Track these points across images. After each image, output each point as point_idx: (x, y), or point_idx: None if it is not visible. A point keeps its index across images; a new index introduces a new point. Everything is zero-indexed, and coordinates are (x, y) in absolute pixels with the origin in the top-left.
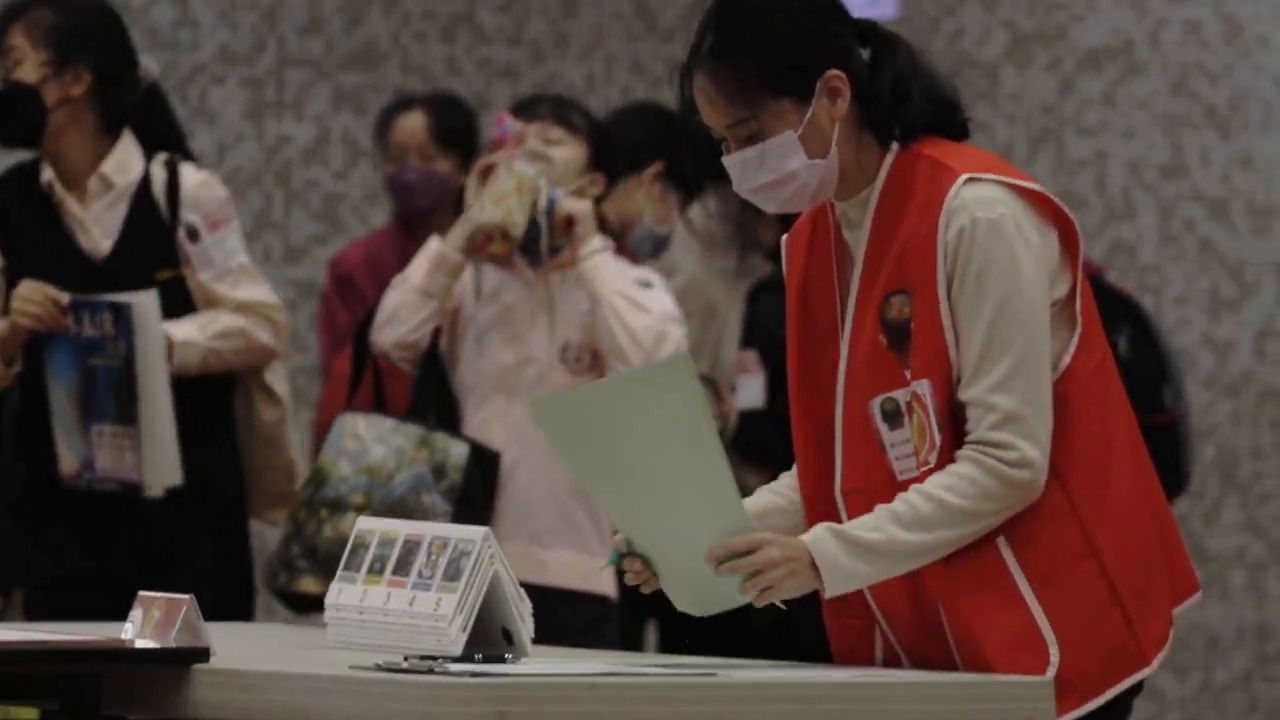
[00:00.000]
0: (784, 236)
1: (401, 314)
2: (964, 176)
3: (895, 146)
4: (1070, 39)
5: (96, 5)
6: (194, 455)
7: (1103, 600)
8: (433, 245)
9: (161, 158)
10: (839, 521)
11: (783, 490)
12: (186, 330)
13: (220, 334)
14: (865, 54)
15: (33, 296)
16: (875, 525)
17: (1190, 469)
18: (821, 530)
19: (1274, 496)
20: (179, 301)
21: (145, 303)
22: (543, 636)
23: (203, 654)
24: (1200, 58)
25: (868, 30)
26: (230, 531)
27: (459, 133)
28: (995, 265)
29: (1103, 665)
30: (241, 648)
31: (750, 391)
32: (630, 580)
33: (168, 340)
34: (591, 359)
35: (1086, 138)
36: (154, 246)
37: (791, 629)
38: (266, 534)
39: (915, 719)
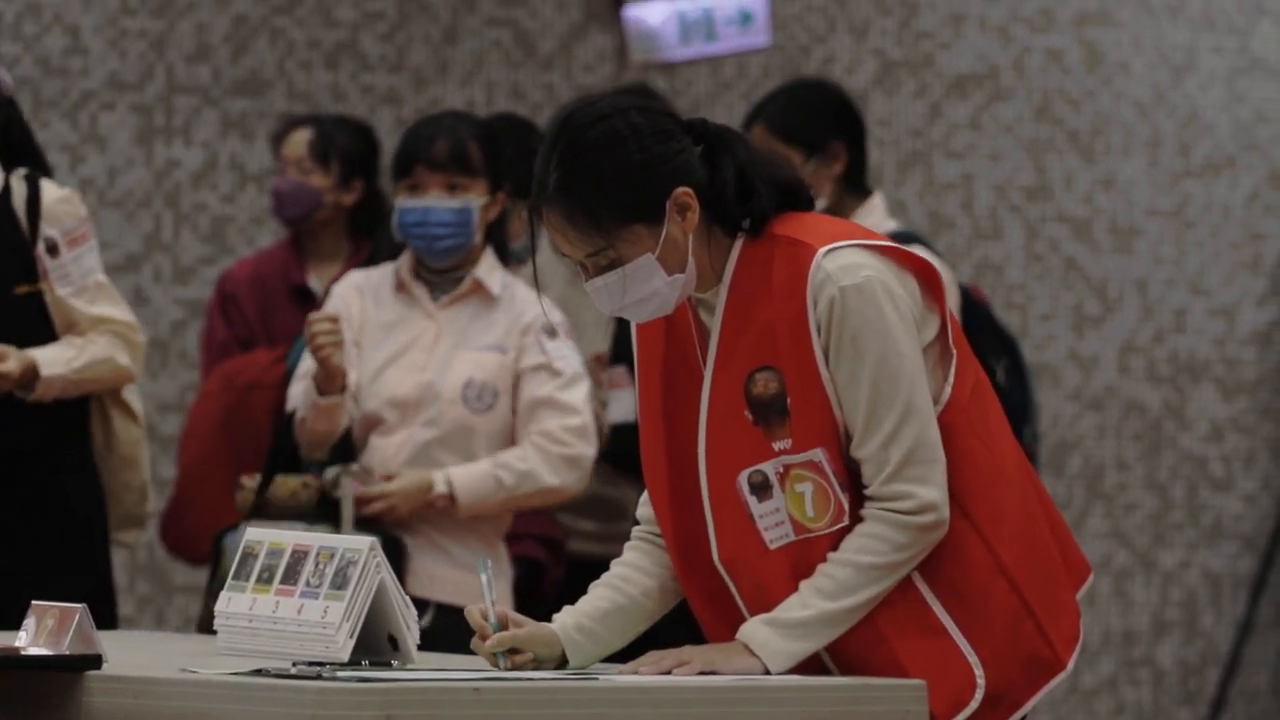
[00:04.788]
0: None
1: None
2: (822, 250)
3: (741, 237)
4: (937, 66)
5: None
6: (52, 473)
7: (1017, 614)
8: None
9: (22, 172)
10: (723, 588)
11: (619, 585)
12: (54, 365)
13: (86, 365)
14: (699, 150)
15: None
16: (803, 603)
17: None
18: (751, 623)
19: (1138, 507)
20: (37, 316)
21: None
22: (428, 644)
23: (95, 661)
24: (1063, 84)
25: (700, 129)
26: (91, 551)
27: (340, 151)
28: (867, 327)
29: (1025, 675)
30: (133, 655)
31: (622, 406)
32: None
33: (33, 369)
34: (493, 398)
35: (954, 161)
36: (12, 260)
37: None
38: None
39: None
